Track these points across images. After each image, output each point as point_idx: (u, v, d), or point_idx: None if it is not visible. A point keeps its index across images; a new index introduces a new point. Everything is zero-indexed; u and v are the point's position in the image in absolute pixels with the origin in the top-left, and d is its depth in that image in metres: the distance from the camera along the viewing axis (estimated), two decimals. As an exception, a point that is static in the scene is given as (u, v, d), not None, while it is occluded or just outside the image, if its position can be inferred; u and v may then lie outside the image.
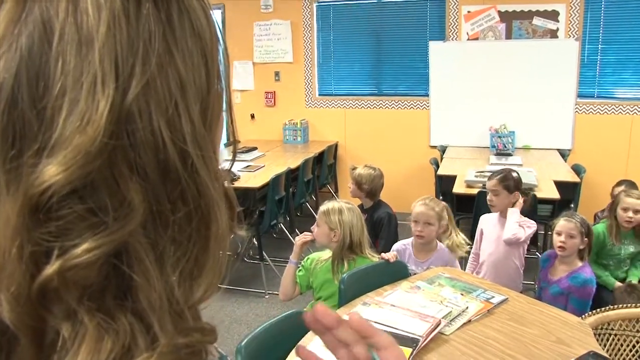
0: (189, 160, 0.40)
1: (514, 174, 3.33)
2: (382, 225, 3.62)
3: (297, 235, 5.09)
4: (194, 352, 0.40)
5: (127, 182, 0.37)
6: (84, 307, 0.36)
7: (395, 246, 3.11)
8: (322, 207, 2.86)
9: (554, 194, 3.84)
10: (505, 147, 5.39)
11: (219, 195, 0.43)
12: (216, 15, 6.30)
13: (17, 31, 0.36)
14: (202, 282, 0.43)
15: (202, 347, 0.42)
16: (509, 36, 5.50)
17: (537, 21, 5.41)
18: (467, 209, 3.79)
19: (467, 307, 2.23)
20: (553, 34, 5.40)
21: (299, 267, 2.96)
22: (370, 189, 3.87)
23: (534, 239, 3.66)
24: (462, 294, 2.36)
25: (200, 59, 0.42)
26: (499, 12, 5.47)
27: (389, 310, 2.18)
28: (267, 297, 4.32)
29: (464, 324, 2.14)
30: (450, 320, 2.14)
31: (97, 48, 0.36)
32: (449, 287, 2.43)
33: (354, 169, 3.95)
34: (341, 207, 2.82)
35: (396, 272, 2.61)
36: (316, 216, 3.01)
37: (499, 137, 5.45)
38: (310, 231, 2.96)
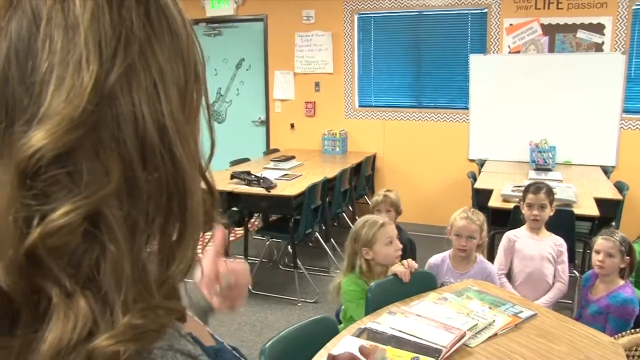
0: (166, 137, 0.43)
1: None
2: (405, 252, 3.52)
3: (333, 244, 5.15)
4: (154, 330, 0.42)
5: (106, 152, 0.40)
6: (66, 274, 0.39)
7: (432, 260, 3.10)
8: (389, 225, 2.78)
9: (594, 211, 3.75)
10: (546, 162, 5.30)
11: (195, 177, 0.47)
12: (258, 25, 6.44)
13: (7, 18, 0.41)
14: (176, 258, 0.46)
15: (164, 325, 0.43)
16: (551, 49, 5.42)
17: (582, 34, 5.32)
18: (502, 223, 3.75)
19: (493, 321, 2.22)
20: (598, 47, 5.30)
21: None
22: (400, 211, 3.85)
23: (571, 256, 3.59)
24: (489, 307, 2.34)
25: (177, 54, 0.47)
26: (542, 25, 5.41)
27: (414, 320, 2.19)
28: (299, 304, 4.35)
29: (490, 337, 2.12)
30: (476, 333, 2.12)
31: (82, 31, 0.40)
32: (477, 299, 2.41)
33: (385, 196, 3.89)
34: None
35: (425, 283, 2.60)
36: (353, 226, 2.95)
37: (539, 151, 5.36)
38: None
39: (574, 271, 3.97)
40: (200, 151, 0.56)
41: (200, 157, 0.53)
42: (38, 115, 0.39)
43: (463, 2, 5.65)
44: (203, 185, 0.53)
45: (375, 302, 2.40)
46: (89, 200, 0.39)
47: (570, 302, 3.98)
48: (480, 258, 3.02)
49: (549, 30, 5.39)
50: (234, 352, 0.65)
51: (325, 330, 2.14)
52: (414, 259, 3.54)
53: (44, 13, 0.41)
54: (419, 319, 2.20)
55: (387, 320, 2.19)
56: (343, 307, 2.91)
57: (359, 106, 6.31)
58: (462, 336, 2.05)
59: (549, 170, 5.09)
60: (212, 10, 6.65)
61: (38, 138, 0.38)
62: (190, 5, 6.79)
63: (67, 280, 0.39)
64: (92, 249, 0.40)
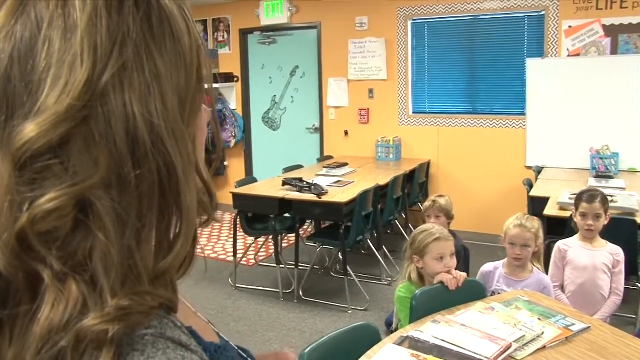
0: (157, 136, 0.46)
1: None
2: (459, 259, 3.41)
3: (385, 252, 5.11)
4: (140, 312, 0.44)
5: (95, 146, 0.43)
6: (55, 258, 0.42)
7: (485, 267, 3.02)
8: (445, 241, 2.68)
9: (658, 221, 3.57)
10: (608, 169, 5.08)
11: (189, 175, 0.48)
12: (312, 33, 6.50)
13: (13, 21, 0.44)
14: (171, 252, 0.48)
15: (151, 307, 0.45)
16: (614, 51, 5.20)
17: (648, 35, 5.09)
18: (558, 232, 3.61)
19: (542, 333, 2.13)
20: (665, 48, 5.06)
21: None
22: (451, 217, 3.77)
23: (633, 268, 3.43)
24: (539, 319, 2.26)
25: (178, 59, 0.49)
26: (604, 27, 5.20)
27: (459, 329, 2.13)
28: (349, 312, 4.33)
29: (538, 349, 2.05)
30: (523, 345, 2.05)
31: (79, 33, 0.43)
32: (526, 310, 2.33)
33: (434, 202, 3.84)
34: None
35: (472, 292, 2.54)
36: (408, 237, 2.89)
37: (601, 158, 5.15)
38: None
39: (638, 284, 3.79)
40: (201, 154, 0.57)
41: (199, 157, 0.55)
42: (34, 110, 0.43)
43: (519, 5, 5.51)
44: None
45: (419, 310, 2.36)
46: (74, 189, 0.42)
47: (634, 316, 3.80)
48: (537, 269, 2.92)
49: (612, 31, 5.18)
50: (240, 352, 0.65)
51: (367, 338, 2.12)
52: (466, 266, 3.49)
53: (46, 18, 0.44)
54: (463, 328, 2.14)
55: (430, 329, 2.15)
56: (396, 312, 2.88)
57: (413, 113, 6.25)
58: (508, 347, 1.98)
59: (611, 177, 4.88)
60: (266, 19, 6.76)
61: (29, 131, 0.42)
62: (246, 14, 6.93)
63: (57, 263, 0.42)
64: (86, 238, 0.43)
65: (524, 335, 2.09)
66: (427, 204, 3.92)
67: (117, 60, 0.44)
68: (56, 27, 0.44)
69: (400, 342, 2.07)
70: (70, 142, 0.42)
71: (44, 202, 0.41)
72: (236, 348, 0.66)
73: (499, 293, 2.77)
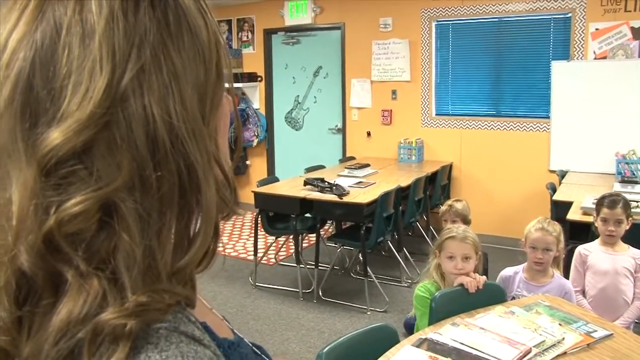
0: (177, 137, 0.46)
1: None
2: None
3: (405, 253, 5.09)
4: (158, 309, 0.45)
5: (118, 150, 0.44)
6: (80, 258, 0.43)
7: (504, 272, 3.00)
8: (460, 242, 2.66)
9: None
10: (634, 174, 5.00)
11: (209, 173, 0.49)
12: (336, 34, 6.50)
13: (34, 29, 0.45)
14: (190, 249, 0.49)
15: (168, 305, 0.46)
16: (643, 55, 5.12)
17: (678, 38, 4.99)
18: (581, 237, 3.57)
19: (563, 338, 2.12)
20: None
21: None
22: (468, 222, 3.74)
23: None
24: (560, 324, 2.24)
25: (197, 54, 0.50)
26: (632, 29, 5.12)
27: (478, 332, 2.13)
28: (369, 313, 4.33)
29: (558, 355, 2.03)
30: (543, 350, 2.04)
31: (97, 39, 0.44)
32: (546, 315, 2.32)
33: (450, 206, 3.82)
34: None
35: (492, 296, 2.53)
36: (430, 241, 2.90)
37: (627, 163, 5.07)
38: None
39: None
40: (224, 146, 0.58)
41: (222, 150, 0.56)
42: (57, 117, 0.44)
43: (545, 7, 5.45)
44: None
45: (439, 312, 2.36)
46: (99, 193, 0.43)
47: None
48: (558, 274, 2.89)
49: (640, 34, 5.11)
50: (254, 349, 0.66)
51: (385, 339, 2.12)
52: (485, 271, 3.46)
53: (65, 24, 0.45)
54: (482, 332, 2.14)
55: (449, 332, 2.15)
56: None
57: (436, 114, 6.22)
58: (527, 352, 1.97)
59: (637, 183, 4.80)
60: (290, 19, 6.78)
61: (53, 138, 0.43)
62: (270, 14, 6.96)
63: (82, 263, 0.43)
64: (109, 237, 0.44)
65: (544, 341, 2.08)
66: (443, 208, 3.91)
67: (136, 63, 0.45)
68: (75, 33, 0.44)
69: (419, 344, 2.07)
70: (93, 147, 0.43)
71: (70, 205, 0.42)
72: (250, 345, 0.67)
73: (519, 298, 2.75)
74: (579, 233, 3.61)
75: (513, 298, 2.80)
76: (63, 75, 0.44)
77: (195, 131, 0.48)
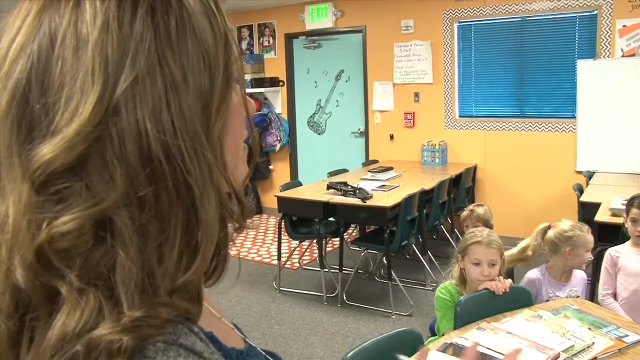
0: (172, 152, 0.44)
1: None
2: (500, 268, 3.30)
3: (430, 257, 5.04)
4: (153, 325, 0.44)
5: (110, 166, 0.43)
6: (74, 274, 0.42)
7: (530, 275, 2.97)
8: (487, 248, 2.58)
9: None
10: (664, 173, 4.89)
11: (209, 188, 0.47)
12: (357, 37, 6.49)
13: (32, 39, 0.44)
14: (192, 265, 0.47)
15: (165, 320, 0.45)
16: (672, 52, 5.00)
17: None
18: (610, 239, 3.49)
19: (593, 343, 2.07)
20: None
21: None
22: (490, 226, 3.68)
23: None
24: (589, 328, 2.18)
25: (201, 61, 0.47)
26: (662, 26, 5.01)
27: (504, 337, 2.09)
28: (393, 317, 4.29)
29: (588, 360, 1.98)
30: (572, 355, 1.99)
31: (89, 50, 0.43)
32: (575, 319, 2.26)
33: (471, 211, 3.77)
34: None
35: (519, 299, 2.48)
36: (455, 244, 2.86)
37: (657, 162, 4.96)
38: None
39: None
40: (235, 151, 0.55)
41: (233, 159, 0.54)
42: (50, 132, 0.43)
43: (570, 5, 5.36)
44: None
45: (464, 317, 2.32)
46: (90, 211, 0.42)
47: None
48: (575, 270, 2.92)
49: (669, 30, 4.99)
50: (268, 357, 0.65)
51: (410, 343, 2.09)
52: (511, 274, 3.40)
53: (60, 34, 0.44)
54: (509, 336, 2.10)
55: (475, 336, 2.11)
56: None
57: (459, 116, 6.16)
58: (556, 357, 1.93)
59: (668, 182, 4.69)
60: (311, 23, 6.79)
61: (42, 154, 0.42)
62: (291, 19, 6.98)
63: (75, 278, 0.42)
64: (107, 253, 0.43)
65: (573, 345, 2.03)
66: (464, 213, 3.85)
67: (129, 74, 0.43)
68: (68, 45, 0.43)
69: (444, 349, 2.04)
70: (88, 161, 0.42)
71: (60, 223, 0.42)
72: (263, 353, 0.66)
73: (554, 300, 2.73)
74: (608, 235, 3.54)
75: (548, 300, 2.79)
76: (56, 89, 0.43)
77: (194, 144, 0.46)
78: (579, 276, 2.92)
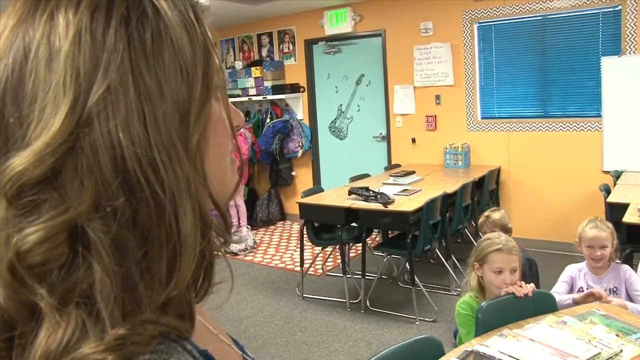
0: (146, 164, 0.43)
1: None
2: (524, 273, 3.14)
3: (454, 261, 4.97)
4: (138, 342, 0.42)
5: (82, 177, 0.42)
6: (47, 290, 0.41)
7: (569, 271, 3.02)
8: (508, 255, 2.53)
9: None
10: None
11: (185, 200, 0.46)
12: (377, 41, 6.45)
13: (8, 52, 0.44)
14: (173, 279, 0.46)
15: (150, 337, 0.44)
16: (700, 46, 4.87)
17: None
18: (639, 241, 3.40)
19: (621, 350, 2.00)
20: None
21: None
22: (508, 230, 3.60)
23: None
24: (617, 335, 2.11)
25: (178, 72, 0.46)
26: (688, 21, 4.88)
27: (527, 344, 2.03)
28: (417, 323, 4.23)
29: (615, 368, 1.92)
30: (599, 363, 1.93)
31: (61, 62, 0.42)
32: (602, 325, 2.19)
33: (487, 217, 3.70)
34: None
35: (542, 305, 2.42)
36: (476, 243, 2.80)
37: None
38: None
39: None
40: (219, 162, 0.54)
41: (215, 170, 0.52)
42: (24, 144, 0.42)
43: (592, 2, 5.24)
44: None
45: (486, 324, 2.27)
46: (58, 219, 0.41)
47: None
48: (612, 263, 2.93)
49: (697, 25, 4.85)
50: None
51: (430, 351, 2.05)
52: (535, 279, 3.33)
53: (33, 47, 0.44)
54: (532, 343, 2.04)
55: (496, 344, 2.06)
56: None
57: (482, 118, 6.07)
58: (581, 365, 1.87)
59: (699, 181, 4.56)
60: (331, 28, 6.77)
61: (14, 165, 0.41)
62: (310, 25, 6.98)
63: (48, 295, 0.41)
64: (86, 268, 0.42)
65: (599, 353, 1.97)
66: (481, 219, 3.78)
67: (101, 85, 0.42)
68: (41, 57, 0.43)
69: (465, 357, 1.99)
70: (62, 172, 0.42)
71: (25, 235, 0.41)
72: None
73: (583, 291, 2.80)
74: (637, 236, 3.44)
75: (580, 290, 2.87)
76: (30, 101, 0.43)
77: (170, 154, 0.45)
78: (616, 267, 2.92)
